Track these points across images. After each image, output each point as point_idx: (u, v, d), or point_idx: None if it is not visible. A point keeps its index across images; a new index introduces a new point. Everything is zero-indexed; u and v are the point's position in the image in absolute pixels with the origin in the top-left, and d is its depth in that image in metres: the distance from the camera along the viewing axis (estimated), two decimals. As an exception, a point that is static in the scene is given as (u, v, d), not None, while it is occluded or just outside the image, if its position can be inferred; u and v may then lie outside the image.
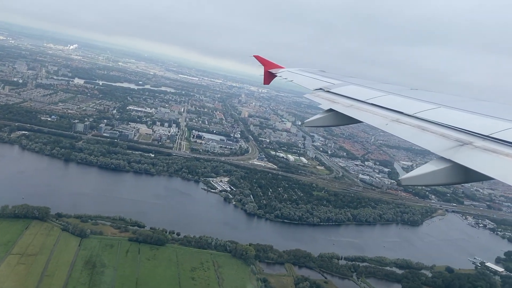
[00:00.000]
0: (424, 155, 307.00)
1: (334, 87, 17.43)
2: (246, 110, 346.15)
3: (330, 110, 14.69)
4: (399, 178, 8.54)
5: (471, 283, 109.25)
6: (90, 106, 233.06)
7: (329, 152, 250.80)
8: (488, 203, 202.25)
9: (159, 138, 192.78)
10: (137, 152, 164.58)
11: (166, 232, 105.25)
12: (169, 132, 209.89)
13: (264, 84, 28.82)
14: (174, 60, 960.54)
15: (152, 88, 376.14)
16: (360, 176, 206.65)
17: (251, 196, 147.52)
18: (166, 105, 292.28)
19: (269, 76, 27.95)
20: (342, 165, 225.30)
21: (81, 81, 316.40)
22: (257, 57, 29.16)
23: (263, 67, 28.43)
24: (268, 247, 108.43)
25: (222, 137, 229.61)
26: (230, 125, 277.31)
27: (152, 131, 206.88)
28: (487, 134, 8.69)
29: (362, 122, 13.00)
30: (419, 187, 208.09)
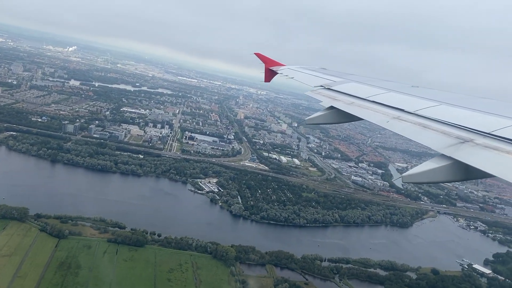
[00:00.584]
0: (420, 156, 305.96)
1: (335, 85, 17.66)
2: (242, 112, 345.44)
3: (331, 107, 14.80)
4: (401, 175, 8.62)
5: (455, 285, 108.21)
6: (83, 107, 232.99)
7: (323, 154, 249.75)
8: (481, 205, 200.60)
9: (150, 139, 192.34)
10: (125, 153, 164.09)
11: (146, 233, 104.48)
12: (160, 133, 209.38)
13: (265, 81, 29.01)
14: (174, 63, 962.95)
15: (148, 89, 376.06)
16: (353, 177, 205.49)
17: (238, 197, 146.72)
18: (161, 107, 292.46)
19: (270, 74, 28.11)
20: (335, 167, 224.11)
21: (77, 83, 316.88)
22: (257, 55, 29.22)
23: (264, 64, 28.51)
24: (250, 248, 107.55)
25: (215, 139, 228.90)
26: (224, 126, 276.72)
27: (144, 132, 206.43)
28: (488, 132, 8.76)
29: (363, 119, 13.00)
30: (413, 186, 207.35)
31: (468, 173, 8.19)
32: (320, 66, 26.68)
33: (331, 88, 17.16)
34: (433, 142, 9.23)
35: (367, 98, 14.15)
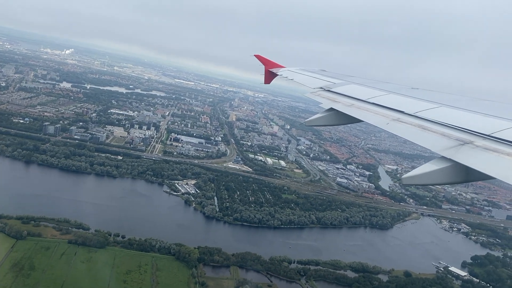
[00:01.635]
0: (412, 159, 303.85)
1: (335, 86, 17.87)
2: (235, 114, 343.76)
3: (331, 109, 14.86)
4: (401, 178, 8.56)
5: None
6: (70, 109, 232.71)
7: (311, 156, 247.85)
8: (468, 207, 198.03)
9: (131, 141, 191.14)
10: (103, 155, 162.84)
11: (110, 235, 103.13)
12: (144, 135, 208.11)
13: (264, 83, 28.90)
14: (174, 66, 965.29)
15: (141, 92, 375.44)
16: (338, 179, 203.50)
17: (214, 198, 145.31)
18: (152, 109, 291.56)
19: (270, 76, 28.00)
20: (322, 169, 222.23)
21: (68, 85, 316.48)
22: (257, 57, 28.92)
23: (264, 66, 28.41)
24: (215, 249, 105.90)
25: (201, 140, 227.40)
26: (214, 128, 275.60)
27: (128, 134, 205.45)
28: (488, 134, 8.78)
29: (362, 121, 13.08)
30: (399, 188, 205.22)
31: (468, 175, 8.14)
32: (320, 68, 26.66)
33: (331, 90, 17.27)
34: (433, 144, 9.20)
35: (367, 100, 14.20)
